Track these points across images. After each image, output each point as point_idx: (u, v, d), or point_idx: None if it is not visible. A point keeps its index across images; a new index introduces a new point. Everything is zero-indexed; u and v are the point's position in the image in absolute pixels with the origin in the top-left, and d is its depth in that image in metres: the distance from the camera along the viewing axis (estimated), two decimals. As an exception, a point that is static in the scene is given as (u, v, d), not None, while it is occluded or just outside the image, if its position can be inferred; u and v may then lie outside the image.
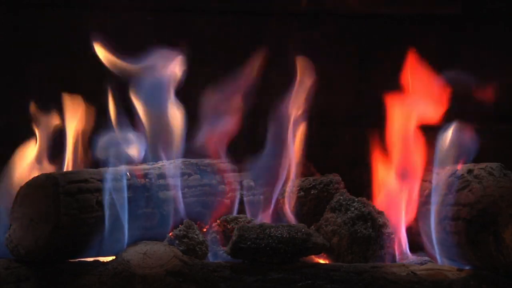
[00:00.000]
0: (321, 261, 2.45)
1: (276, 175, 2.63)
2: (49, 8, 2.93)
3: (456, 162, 2.52)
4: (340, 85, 2.94)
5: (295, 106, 2.67)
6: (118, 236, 2.37)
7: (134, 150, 2.57)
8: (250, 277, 2.30)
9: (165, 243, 2.41)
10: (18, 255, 2.33)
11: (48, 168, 2.61)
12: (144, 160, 2.57)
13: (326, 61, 2.92)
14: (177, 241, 2.42)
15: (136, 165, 2.52)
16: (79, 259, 2.37)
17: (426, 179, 2.60)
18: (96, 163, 2.53)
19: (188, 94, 2.78)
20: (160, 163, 2.56)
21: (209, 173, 2.63)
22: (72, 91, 2.91)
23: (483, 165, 2.46)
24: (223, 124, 2.64)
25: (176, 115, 2.65)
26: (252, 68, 2.66)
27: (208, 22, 2.92)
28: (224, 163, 2.68)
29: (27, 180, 2.37)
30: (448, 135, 2.57)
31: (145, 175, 2.47)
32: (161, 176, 2.51)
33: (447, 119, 2.61)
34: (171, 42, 2.85)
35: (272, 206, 2.63)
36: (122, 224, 2.37)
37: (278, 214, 2.63)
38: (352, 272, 2.31)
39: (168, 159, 2.60)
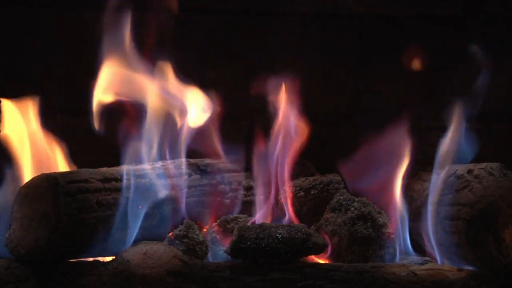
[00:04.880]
0: (321, 261, 2.45)
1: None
2: (49, 8, 2.94)
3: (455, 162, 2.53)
4: (340, 85, 2.94)
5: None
6: (120, 236, 2.37)
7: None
8: (250, 277, 2.30)
9: (165, 243, 2.41)
10: (18, 255, 2.33)
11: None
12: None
13: (326, 61, 2.92)
14: (177, 241, 2.42)
15: (136, 165, 2.53)
16: (79, 259, 2.37)
17: (426, 179, 2.60)
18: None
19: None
20: (160, 163, 2.56)
21: (209, 173, 2.63)
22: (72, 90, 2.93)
23: (483, 165, 2.46)
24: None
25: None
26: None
27: (207, 21, 2.92)
28: (224, 163, 2.68)
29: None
30: (448, 135, 2.57)
31: (145, 175, 2.47)
32: (161, 176, 2.51)
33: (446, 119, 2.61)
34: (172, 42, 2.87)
35: (272, 206, 2.64)
36: (125, 225, 2.37)
37: (278, 214, 2.63)
38: (352, 272, 2.31)
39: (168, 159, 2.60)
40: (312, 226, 2.52)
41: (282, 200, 2.62)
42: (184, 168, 2.57)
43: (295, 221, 2.58)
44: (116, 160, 2.52)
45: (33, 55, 2.93)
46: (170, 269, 2.29)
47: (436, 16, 2.88)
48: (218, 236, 2.52)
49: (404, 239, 2.55)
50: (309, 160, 2.79)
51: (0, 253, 2.38)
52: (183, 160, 2.61)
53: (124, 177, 2.41)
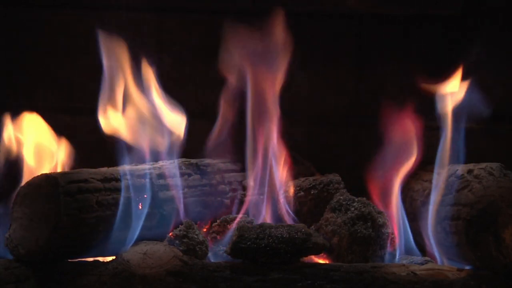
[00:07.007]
0: (321, 261, 2.45)
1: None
2: (48, 8, 2.94)
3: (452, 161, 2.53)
4: (340, 85, 2.94)
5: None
6: (120, 236, 2.37)
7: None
8: (250, 277, 2.30)
9: (165, 243, 2.41)
10: (18, 255, 2.33)
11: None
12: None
13: (326, 61, 2.91)
14: (177, 241, 2.42)
15: (136, 165, 2.53)
16: (79, 259, 2.37)
17: (426, 179, 2.60)
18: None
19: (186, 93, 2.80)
20: (160, 163, 2.56)
21: (209, 173, 2.63)
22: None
23: (483, 165, 2.46)
24: None
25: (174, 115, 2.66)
26: None
27: (206, 21, 2.92)
28: (224, 163, 2.68)
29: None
30: (447, 133, 2.58)
31: (145, 175, 2.47)
32: (161, 176, 2.51)
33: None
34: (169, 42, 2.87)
35: (272, 206, 2.64)
36: (125, 224, 2.37)
37: (278, 214, 2.63)
38: (352, 272, 2.31)
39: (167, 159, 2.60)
40: (312, 226, 2.52)
41: (281, 200, 2.63)
42: (183, 168, 2.57)
43: (295, 221, 2.58)
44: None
45: (33, 55, 2.94)
46: (170, 269, 2.29)
47: (436, 16, 2.88)
48: (218, 236, 2.52)
49: (406, 239, 2.56)
50: (309, 160, 2.79)
51: (0, 253, 2.38)
52: (183, 160, 2.61)
53: (124, 177, 2.41)
